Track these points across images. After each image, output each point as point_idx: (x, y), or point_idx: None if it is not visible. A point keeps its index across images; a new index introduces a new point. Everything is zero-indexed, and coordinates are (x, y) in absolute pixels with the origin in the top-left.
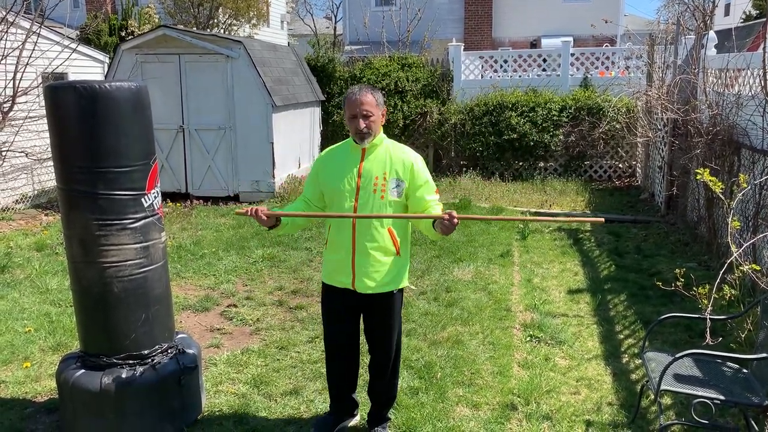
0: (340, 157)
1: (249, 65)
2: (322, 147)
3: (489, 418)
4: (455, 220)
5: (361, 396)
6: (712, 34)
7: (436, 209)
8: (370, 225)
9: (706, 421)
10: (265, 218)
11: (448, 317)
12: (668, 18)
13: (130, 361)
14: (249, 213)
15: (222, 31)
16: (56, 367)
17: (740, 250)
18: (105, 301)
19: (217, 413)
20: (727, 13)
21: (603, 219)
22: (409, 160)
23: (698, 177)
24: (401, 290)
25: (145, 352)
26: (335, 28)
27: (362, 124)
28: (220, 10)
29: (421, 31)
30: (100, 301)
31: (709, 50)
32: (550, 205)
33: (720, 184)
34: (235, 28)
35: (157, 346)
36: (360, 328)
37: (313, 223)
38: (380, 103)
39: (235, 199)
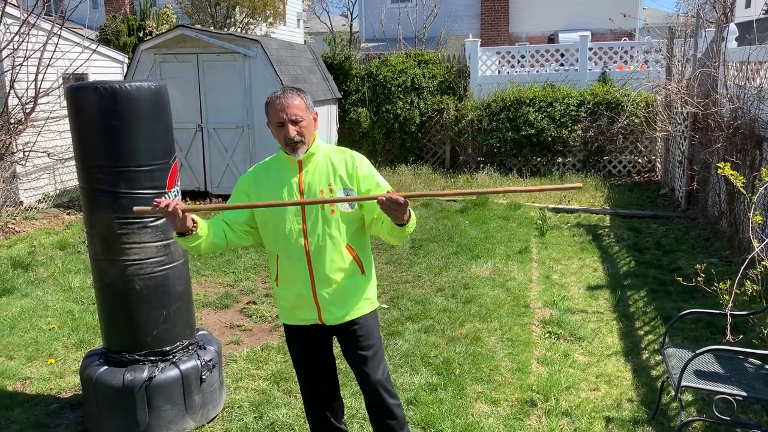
0: (273, 174)
1: (266, 64)
2: (339, 144)
3: (508, 414)
4: (400, 199)
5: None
6: (732, 26)
7: None
8: (325, 247)
9: (728, 418)
10: (180, 215)
11: (466, 314)
12: (688, 10)
13: (152, 358)
14: (158, 207)
15: (239, 30)
16: (80, 363)
17: (762, 245)
18: (127, 299)
19: (237, 409)
20: (748, 4)
21: (580, 185)
22: (353, 164)
23: (719, 171)
24: (375, 311)
25: (167, 348)
26: (351, 25)
27: (292, 131)
28: (237, 9)
29: (437, 28)
30: (122, 298)
31: (730, 43)
32: (569, 201)
33: (741, 178)
34: (252, 27)
35: (178, 343)
36: (335, 358)
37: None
38: (310, 106)
39: None
